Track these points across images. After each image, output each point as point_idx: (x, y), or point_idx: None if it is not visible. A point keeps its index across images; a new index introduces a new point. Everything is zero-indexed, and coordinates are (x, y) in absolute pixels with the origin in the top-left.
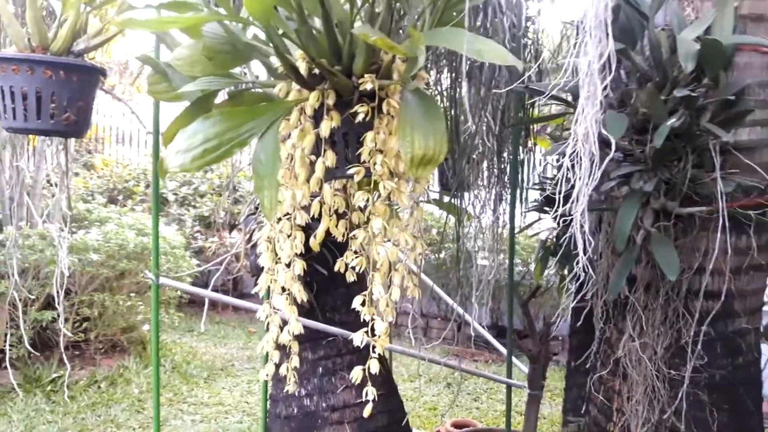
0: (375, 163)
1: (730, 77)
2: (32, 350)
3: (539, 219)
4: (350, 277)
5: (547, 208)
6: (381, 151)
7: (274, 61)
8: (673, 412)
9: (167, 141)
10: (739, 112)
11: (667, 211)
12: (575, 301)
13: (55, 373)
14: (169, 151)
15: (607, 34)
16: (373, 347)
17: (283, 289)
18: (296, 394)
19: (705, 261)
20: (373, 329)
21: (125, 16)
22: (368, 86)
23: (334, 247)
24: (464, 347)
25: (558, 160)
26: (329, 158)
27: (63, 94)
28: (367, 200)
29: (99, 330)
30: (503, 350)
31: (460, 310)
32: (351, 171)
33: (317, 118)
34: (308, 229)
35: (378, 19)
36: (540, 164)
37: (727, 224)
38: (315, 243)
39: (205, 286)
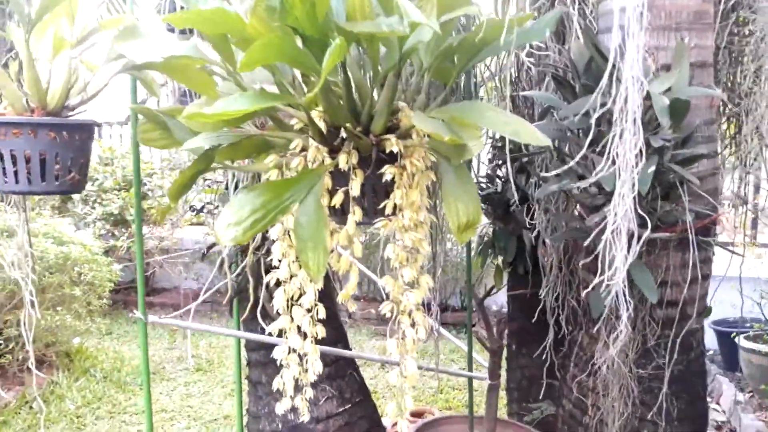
0: (403, 217)
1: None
2: None
3: None
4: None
5: (483, 206)
6: (404, 206)
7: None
8: (641, 404)
9: (172, 194)
10: (695, 155)
11: (638, 237)
12: (511, 290)
13: None
14: (220, 224)
15: (640, 128)
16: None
17: (299, 329)
18: None
19: (666, 275)
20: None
21: (192, 111)
22: (394, 149)
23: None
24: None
25: (491, 161)
26: (358, 214)
27: (66, 154)
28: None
29: (22, 347)
30: (463, 346)
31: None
32: (378, 224)
33: (335, 174)
34: None
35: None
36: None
37: (692, 245)
38: (345, 294)
39: (119, 288)
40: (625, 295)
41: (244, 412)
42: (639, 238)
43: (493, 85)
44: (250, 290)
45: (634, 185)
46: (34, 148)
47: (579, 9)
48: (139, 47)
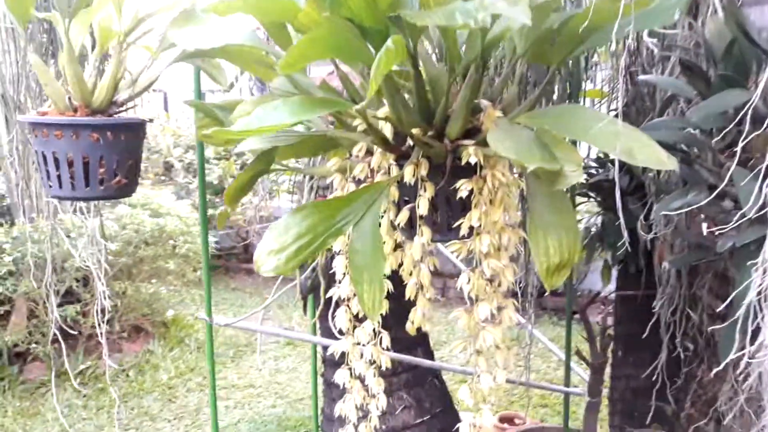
0: (481, 242)
1: None
2: (57, 344)
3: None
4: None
5: (591, 193)
6: (484, 228)
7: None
8: None
9: (229, 199)
10: None
11: None
12: (620, 289)
13: (83, 365)
14: (261, 251)
15: None
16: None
17: (362, 355)
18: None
19: None
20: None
21: (242, 126)
22: (472, 160)
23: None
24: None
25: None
26: (426, 234)
27: (112, 157)
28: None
29: (122, 317)
30: (561, 355)
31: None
32: (450, 251)
33: (403, 183)
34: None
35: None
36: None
37: None
38: (412, 328)
39: (219, 254)
40: None
41: (319, 412)
42: None
43: (608, 50)
44: (321, 292)
45: None
46: (76, 150)
47: None
48: (193, 34)
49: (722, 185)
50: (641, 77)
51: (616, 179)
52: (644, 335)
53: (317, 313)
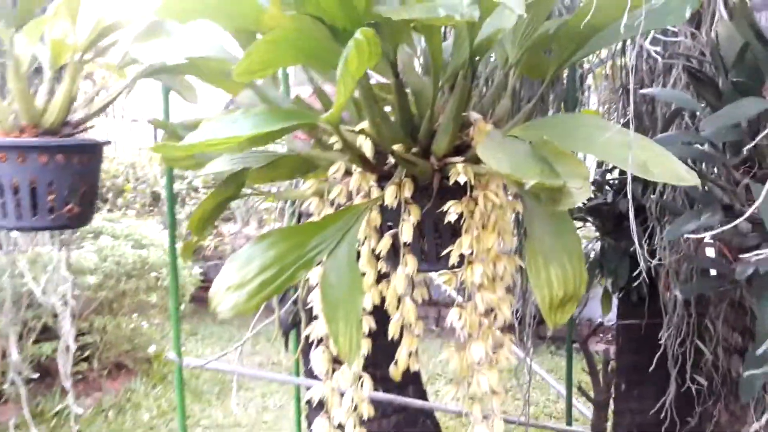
0: (472, 273)
1: None
2: (32, 383)
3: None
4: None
5: (589, 218)
6: (476, 256)
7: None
8: None
9: (195, 227)
10: None
11: None
12: (622, 318)
13: (60, 405)
14: (218, 286)
15: None
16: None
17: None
18: None
19: None
20: None
21: (193, 140)
22: (461, 179)
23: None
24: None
25: (599, 164)
26: (411, 264)
27: (63, 182)
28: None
29: (102, 354)
30: (561, 389)
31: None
32: (442, 280)
33: (384, 207)
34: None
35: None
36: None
37: None
38: (397, 372)
39: (206, 286)
40: None
41: None
42: None
43: (603, 73)
44: (302, 327)
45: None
46: (22, 175)
47: None
48: (155, 48)
49: (746, 207)
50: (642, 91)
51: (629, 195)
52: (648, 365)
53: (298, 350)
